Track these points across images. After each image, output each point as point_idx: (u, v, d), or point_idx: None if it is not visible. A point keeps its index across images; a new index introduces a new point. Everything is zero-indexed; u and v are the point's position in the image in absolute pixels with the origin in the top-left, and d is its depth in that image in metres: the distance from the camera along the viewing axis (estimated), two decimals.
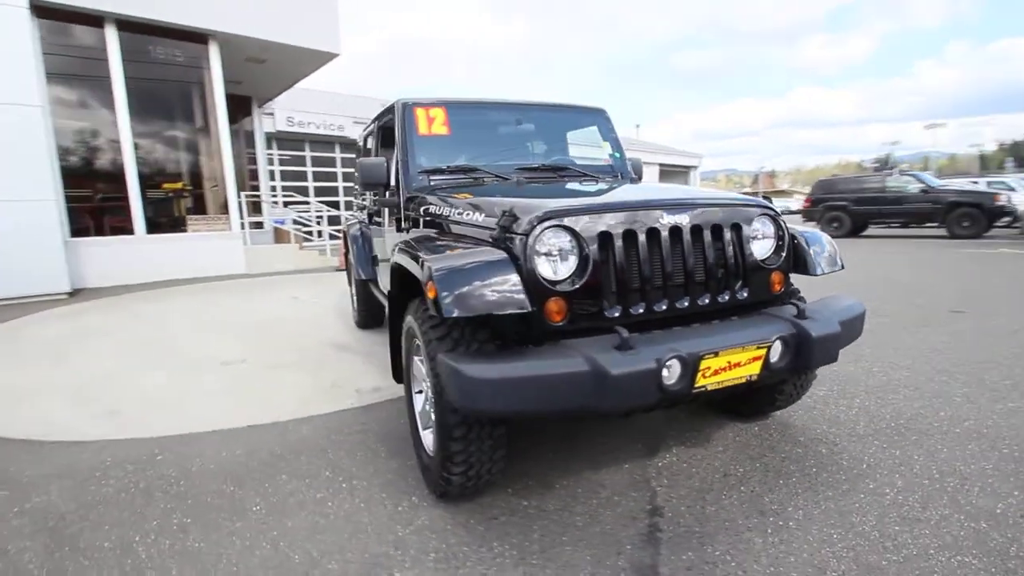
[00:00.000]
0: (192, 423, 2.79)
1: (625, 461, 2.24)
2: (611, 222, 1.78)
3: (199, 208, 8.50)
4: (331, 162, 21.07)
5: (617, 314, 1.79)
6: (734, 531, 1.75)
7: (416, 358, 2.18)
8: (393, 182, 2.85)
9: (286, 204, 13.71)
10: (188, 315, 5.67)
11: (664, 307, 1.85)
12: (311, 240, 11.86)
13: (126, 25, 7.29)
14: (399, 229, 2.81)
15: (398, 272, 2.23)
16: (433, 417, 2.00)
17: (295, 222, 11.30)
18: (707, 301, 1.92)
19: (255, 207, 12.17)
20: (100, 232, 7.96)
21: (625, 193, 2.17)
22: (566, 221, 1.73)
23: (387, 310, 2.42)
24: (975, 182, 16.62)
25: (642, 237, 1.80)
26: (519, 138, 3.20)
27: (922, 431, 2.39)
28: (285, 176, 17.62)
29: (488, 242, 1.88)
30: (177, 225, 8.24)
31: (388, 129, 3.20)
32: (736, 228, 1.98)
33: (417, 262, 1.85)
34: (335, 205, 18.16)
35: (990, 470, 2.03)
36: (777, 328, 1.80)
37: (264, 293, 7.02)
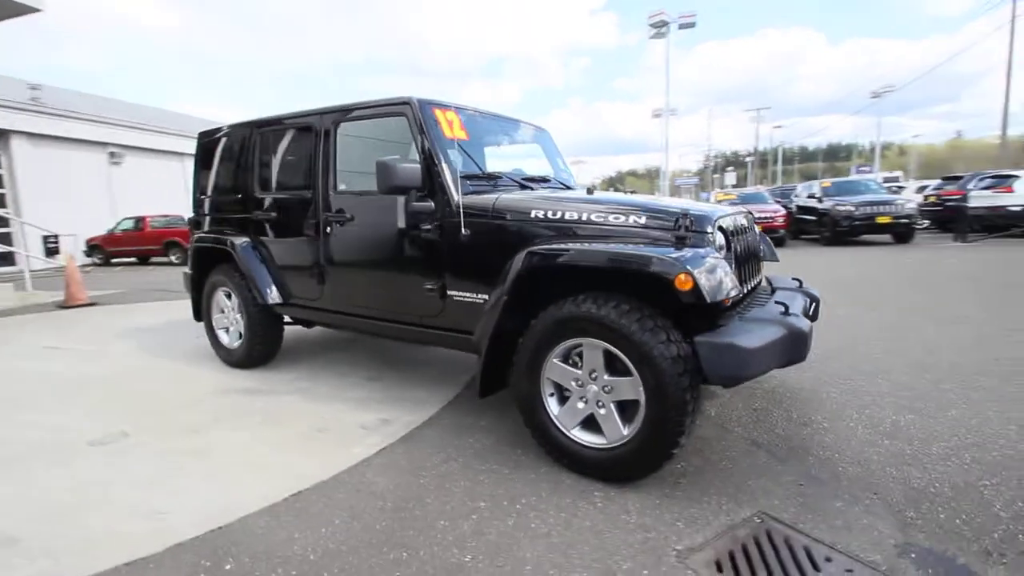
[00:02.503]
0: (186, 522, 1.96)
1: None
2: (732, 222, 2.29)
3: None
4: None
5: (735, 293, 2.30)
6: (815, 437, 2.47)
7: (554, 359, 2.19)
8: (420, 186, 2.61)
9: None
10: None
11: (747, 287, 2.45)
12: None
13: None
14: (443, 235, 2.60)
15: (524, 275, 2.20)
16: (609, 408, 2.10)
17: None
18: (756, 280, 2.62)
19: None
20: None
21: (691, 201, 2.68)
22: (723, 222, 2.16)
23: (493, 321, 2.29)
24: None
25: (739, 234, 2.37)
26: (501, 148, 3.32)
27: (824, 358, 3.59)
28: None
29: (655, 241, 2.11)
30: None
31: (380, 125, 2.86)
32: (752, 227, 2.74)
33: (624, 259, 1.98)
34: None
35: (886, 388, 3.34)
36: (806, 294, 2.63)
37: None
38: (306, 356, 4.13)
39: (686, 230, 2.07)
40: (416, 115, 2.69)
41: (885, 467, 2.19)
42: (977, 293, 5.83)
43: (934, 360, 3.49)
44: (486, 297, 2.52)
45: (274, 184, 3.46)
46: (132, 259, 15.31)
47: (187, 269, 4.13)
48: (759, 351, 1.84)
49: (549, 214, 2.35)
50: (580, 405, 2.18)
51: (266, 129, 3.47)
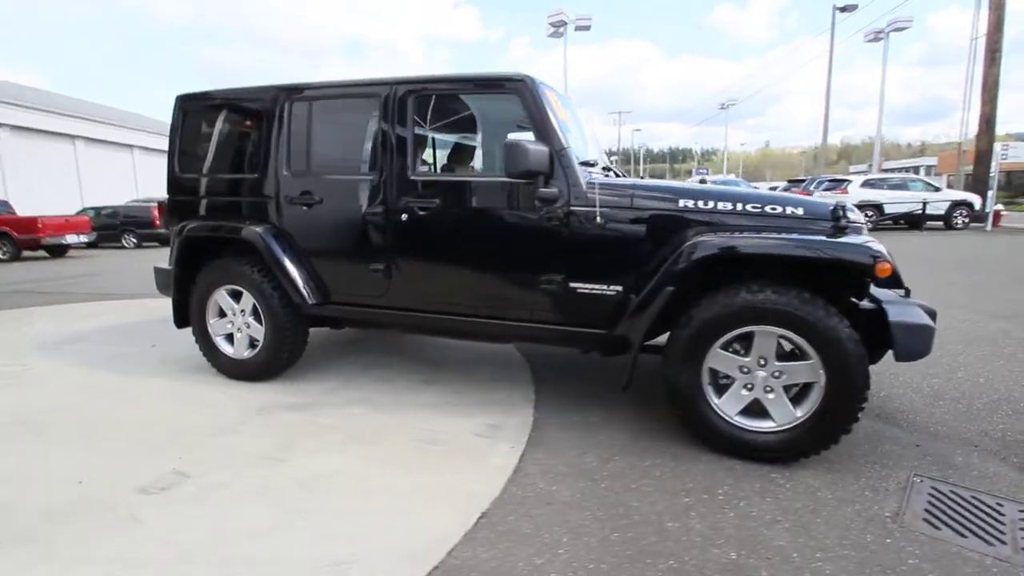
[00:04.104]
0: (391, 569, 1.64)
1: None
2: None
3: None
4: None
5: None
6: (887, 404, 2.82)
7: (718, 348, 2.21)
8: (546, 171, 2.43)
9: None
10: None
11: None
12: None
13: None
14: (570, 224, 2.45)
15: (701, 265, 2.18)
16: (779, 392, 2.19)
17: None
18: None
19: None
20: None
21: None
22: None
23: (653, 313, 2.23)
24: None
25: None
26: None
27: None
28: None
29: (810, 231, 2.23)
30: None
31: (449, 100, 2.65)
32: None
33: (827, 249, 2.08)
34: None
35: None
36: None
37: None
38: (320, 362, 3.60)
39: (847, 221, 2.23)
40: (534, 95, 2.49)
41: (961, 423, 2.59)
42: None
43: None
44: (619, 288, 2.45)
45: (314, 164, 2.94)
46: None
47: (164, 264, 3.34)
48: (934, 331, 2.06)
49: (700, 204, 2.35)
50: (744, 392, 2.24)
51: (306, 97, 2.91)
